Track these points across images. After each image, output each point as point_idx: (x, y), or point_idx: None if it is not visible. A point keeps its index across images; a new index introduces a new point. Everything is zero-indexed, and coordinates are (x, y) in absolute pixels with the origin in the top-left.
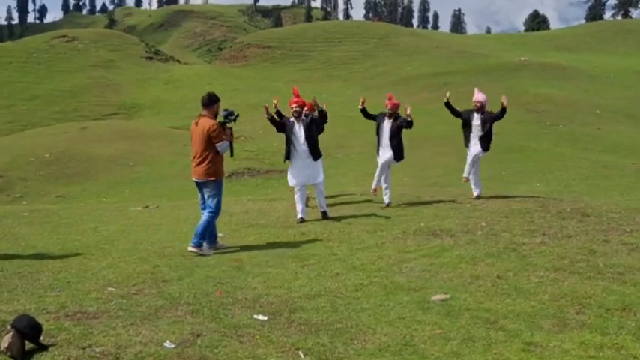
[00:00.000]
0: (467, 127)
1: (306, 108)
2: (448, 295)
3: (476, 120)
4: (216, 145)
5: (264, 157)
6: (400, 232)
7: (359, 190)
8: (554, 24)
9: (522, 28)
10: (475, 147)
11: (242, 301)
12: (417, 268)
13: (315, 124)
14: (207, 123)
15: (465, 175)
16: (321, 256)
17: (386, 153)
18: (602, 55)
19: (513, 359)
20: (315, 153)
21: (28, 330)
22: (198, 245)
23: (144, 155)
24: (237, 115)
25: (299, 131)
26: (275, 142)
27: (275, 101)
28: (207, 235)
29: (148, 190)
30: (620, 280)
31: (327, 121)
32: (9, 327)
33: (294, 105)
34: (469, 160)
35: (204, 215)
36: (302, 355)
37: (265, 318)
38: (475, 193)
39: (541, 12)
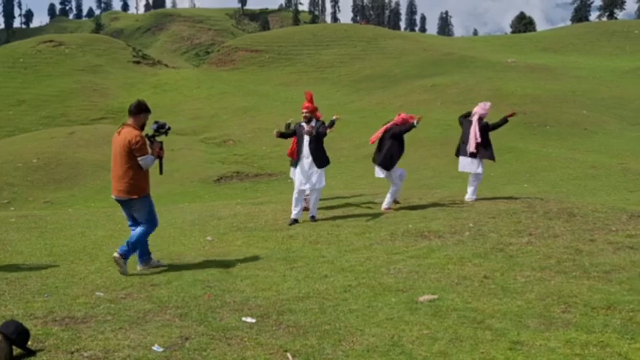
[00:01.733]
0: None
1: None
2: (436, 296)
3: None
4: (139, 159)
5: (253, 160)
6: (388, 234)
7: (348, 193)
8: (541, 25)
9: (509, 29)
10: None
11: (230, 304)
12: (405, 270)
13: (323, 134)
14: (129, 134)
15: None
16: (310, 258)
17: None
18: (588, 56)
19: (500, 358)
20: (318, 161)
21: (16, 336)
22: (125, 256)
23: None
24: (169, 128)
25: (306, 138)
26: (264, 145)
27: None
28: (139, 247)
29: None
30: (605, 279)
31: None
32: None
33: (305, 110)
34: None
35: (139, 227)
36: (290, 357)
37: (254, 321)
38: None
39: (527, 13)
